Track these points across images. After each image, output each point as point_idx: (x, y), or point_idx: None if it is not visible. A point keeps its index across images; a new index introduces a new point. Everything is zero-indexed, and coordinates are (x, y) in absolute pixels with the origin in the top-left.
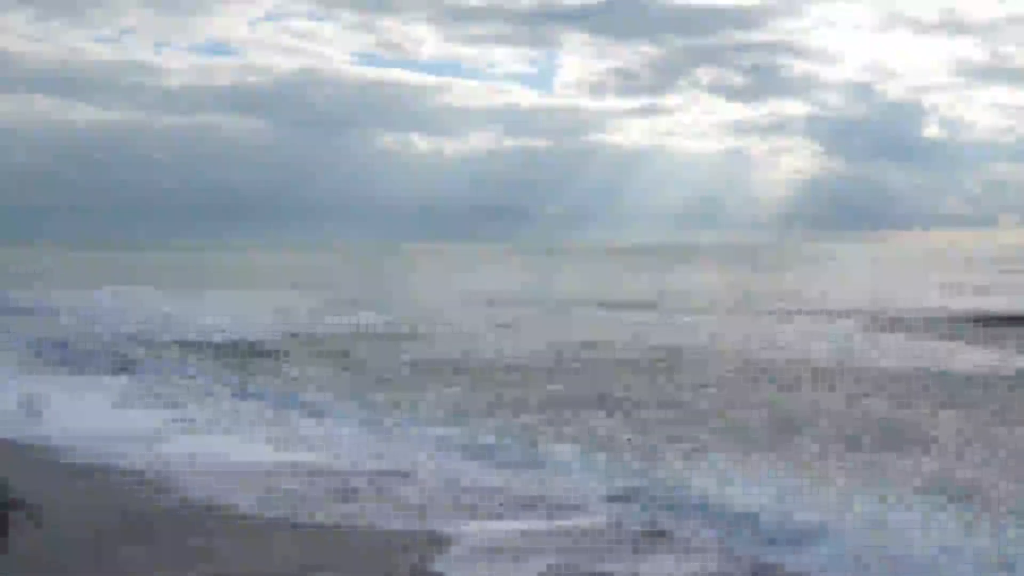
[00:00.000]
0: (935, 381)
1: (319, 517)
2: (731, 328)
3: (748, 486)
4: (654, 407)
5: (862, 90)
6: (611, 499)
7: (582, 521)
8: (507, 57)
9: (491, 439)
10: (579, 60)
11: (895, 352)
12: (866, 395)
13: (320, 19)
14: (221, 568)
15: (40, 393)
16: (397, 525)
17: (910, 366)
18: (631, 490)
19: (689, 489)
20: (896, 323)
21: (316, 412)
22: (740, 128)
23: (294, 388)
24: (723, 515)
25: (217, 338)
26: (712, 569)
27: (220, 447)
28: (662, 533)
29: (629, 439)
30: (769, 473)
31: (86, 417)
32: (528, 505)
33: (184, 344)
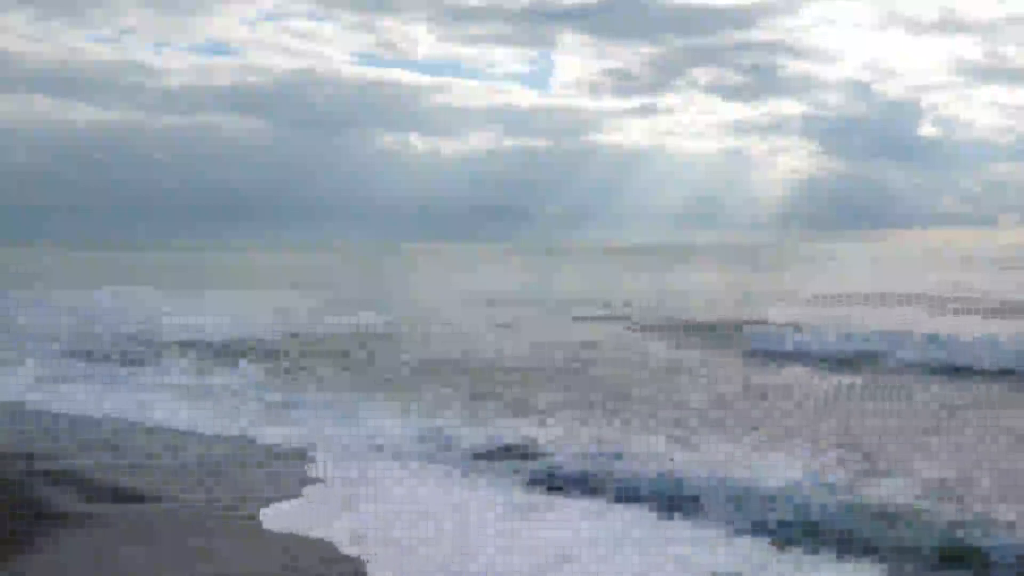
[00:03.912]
0: None
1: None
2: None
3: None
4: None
5: (861, 89)
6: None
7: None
8: (506, 57)
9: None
10: (578, 60)
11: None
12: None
13: (320, 19)
14: (221, 568)
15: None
16: None
17: None
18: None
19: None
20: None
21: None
22: (739, 128)
23: (294, 388)
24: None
25: (217, 338)
26: None
27: None
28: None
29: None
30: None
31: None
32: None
33: (184, 344)
